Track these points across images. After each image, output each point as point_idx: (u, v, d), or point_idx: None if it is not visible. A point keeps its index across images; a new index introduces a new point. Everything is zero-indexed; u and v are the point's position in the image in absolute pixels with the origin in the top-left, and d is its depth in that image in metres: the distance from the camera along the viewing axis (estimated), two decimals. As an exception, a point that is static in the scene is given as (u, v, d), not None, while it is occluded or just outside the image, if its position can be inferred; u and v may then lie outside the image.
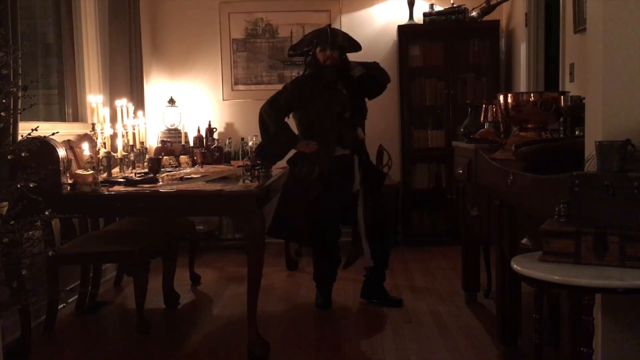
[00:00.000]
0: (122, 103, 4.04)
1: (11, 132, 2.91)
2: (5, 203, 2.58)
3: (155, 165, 3.87)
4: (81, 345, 3.38)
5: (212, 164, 4.85)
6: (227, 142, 5.62)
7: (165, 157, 4.41)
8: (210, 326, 3.61)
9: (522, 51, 5.00)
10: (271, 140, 3.86)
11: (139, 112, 4.49)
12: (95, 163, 3.50)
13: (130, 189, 3.27)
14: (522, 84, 5.01)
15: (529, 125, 2.97)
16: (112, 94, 4.60)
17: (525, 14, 4.88)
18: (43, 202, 2.68)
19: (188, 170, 4.18)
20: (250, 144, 5.54)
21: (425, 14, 5.53)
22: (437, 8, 5.55)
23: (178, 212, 3.58)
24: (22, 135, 2.79)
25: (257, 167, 3.55)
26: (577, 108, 2.80)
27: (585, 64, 2.15)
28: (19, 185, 2.52)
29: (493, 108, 3.64)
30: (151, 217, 3.85)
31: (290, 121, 3.97)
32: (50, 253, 3.02)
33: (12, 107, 2.74)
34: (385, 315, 3.71)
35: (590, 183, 1.86)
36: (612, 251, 1.79)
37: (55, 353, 3.24)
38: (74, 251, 3.48)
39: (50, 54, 4.44)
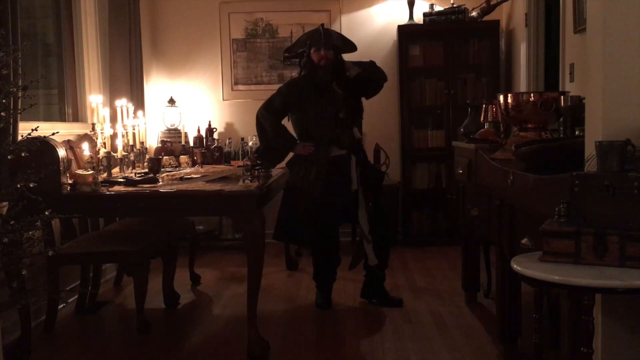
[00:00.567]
0: (122, 103, 4.04)
1: (11, 132, 2.92)
2: (5, 203, 2.58)
3: (155, 165, 3.87)
4: (81, 346, 3.38)
5: (212, 164, 4.85)
6: (227, 142, 5.63)
7: (165, 157, 4.41)
8: (210, 326, 3.61)
9: (522, 51, 5.00)
10: (269, 143, 3.88)
11: (139, 112, 4.49)
12: (95, 163, 3.50)
13: (130, 189, 3.27)
14: (522, 84, 5.01)
15: (529, 125, 2.97)
16: (112, 94, 4.60)
17: (525, 14, 4.88)
18: (43, 202, 2.68)
19: (188, 170, 4.18)
20: (250, 144, 5.54)
21: (425, 14, 5.53)
22: (437, 8, 5.55)
23: (178, 212, 3.59)
24: (22, 135, 2.79)
25: (257, 167, 3.55)
26: (577, 108, 2.80)
27: (585, 64, 2.15)
28: (19, 185, 2.52)
29: (493, 108, 3.64)
30: (151, 217, 3.85)
31: (288, 123, 3.98)
32: (50, 253, 3.03)
33: (12, 107, 2.74)
34: (385, 315, 3.71)
35: (590, 183, 1.86)
36: (612, 251, 1.79)
37: (55, 353, 3.24)
38: (74, 251, 3.48)
39: (50, 54, 4.44)
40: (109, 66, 4.71)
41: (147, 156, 4.17)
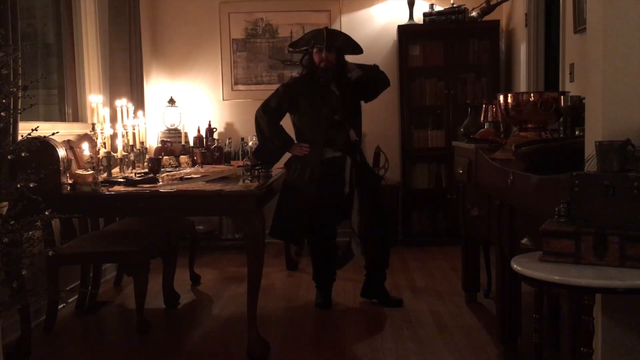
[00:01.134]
0: (122, 103, 4.04)
1: (11, 132, 2.92)
2: (5, 203, 2.58)
3: (155, 165, 3.87)
4: (81, 346, 3.38)
5: (212, 164, 4.85)
6: (227, 142, 5.63)
7: (165, 157, 4.42)
8: (210, 326, 3.61)
9: (522, 51, 5.00)
10: (265, 144, 3.90)
11: (139, 112, 4.49)
12: (95, 163, 3.50)
13: (130, 189, 3.27)
14: (522, 84, 5.01)
15: (529, 125, 2.97)
16: (112, 94, 4.60)
17: (525, 14, 4.88)
18: (43, 202, 2.68)
19: (188, 170, 4.18)
20: (250, 144, 5.54)
21: (425, 14, 5.53)
22: (437, 8, 5.55)
23: (178, 212, 3.59)
24: (22, 135, 2.79)
25: (257, 167, 3.55)
26: (577, 108, 2.81)
27: (585, 64, 2.15)
28: (19, 185, 2.52)
29: (493, 108, 3.64)
30: (151, 217, 3.85)
31: (289, 124, 3.98)
32: (50, 253, 3.02)
33: (12, 107, 2.74)
34: (385, 315, 3.71)
35: (590, 183, 1.86)
36: (612, 251, 1.79)
37: (55, 353, 3.24)
38: (74, 251, 3.48)
39: (50, 54, 4.44)
40: (109, 66, 4.71)
41: (147, 156, 4.17)
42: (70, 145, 3.72)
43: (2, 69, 2.59)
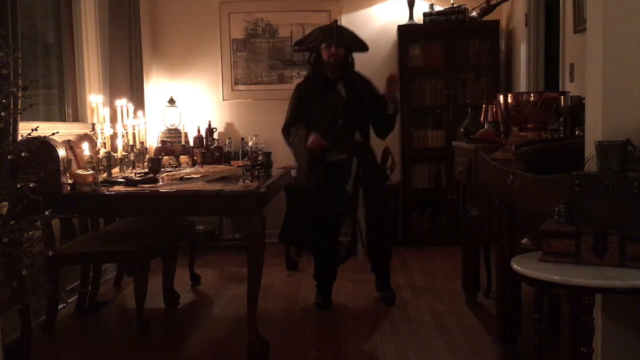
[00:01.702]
0: (122, 103, 4.05)
1: (11, 132, 2.91)
2: (5, 203, 2.58)
3: (155, 165, 3.87)
4: (81, 346, 3.38)
5: (212, 164, 4.85)
6: (227, 142, 5.63)
7: (165, 157, 4.42)
8: (210, 326, 3.61)
9: (522, 51, 5.00)
10: (292, 148, 3.89)
11: (139, 112, 4.49)
12: (95, 163, 3.50)
13: (130, 189, 3.27)
14: (522, 84, 5.01)
15: (529, 125, 2.97)
16: (112, 94, 4.60)
17: (525, 14, 4.88)
18: (43, 202, 2.68)
19: (188, 170, 4.18)
20: (250, 144, 5.54)
21: (425, 14, 5.53)
22: (437, 8, 5.55)
23: (178, 212, 3.59)
24: (22, 135, 2.79)
25: (257, 167, 3.55)
26: (577, 108, 2.80)
27: (585, 64, 2.15)
28: (19, 185, 2.52)
29: (493, 108, 3.64)
30: (151, 217, 3.85)
31: None
32: (50, 253, 3.03)
33: (12, 107, 2.74)
34: (385, 315, 3.71)
35: (590, 183, 1.86)
36: (612, 251, 1.79)
37: (55, 353, 3.24)
38: (74, 251, 3.48)
39: (50, 54, 4.44)
40: (109, 66, 4.71)
41: (147, 156, 4.17)
42: (70, 145, 3.72)
43: (2, 69, 2.59)
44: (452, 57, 5.51)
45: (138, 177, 3.59)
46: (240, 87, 5.89)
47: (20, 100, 2.87)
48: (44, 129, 3.03)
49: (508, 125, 3.65)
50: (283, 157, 5.50)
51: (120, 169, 3.81)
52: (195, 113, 5.82)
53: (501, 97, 3.05)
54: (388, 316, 3.69)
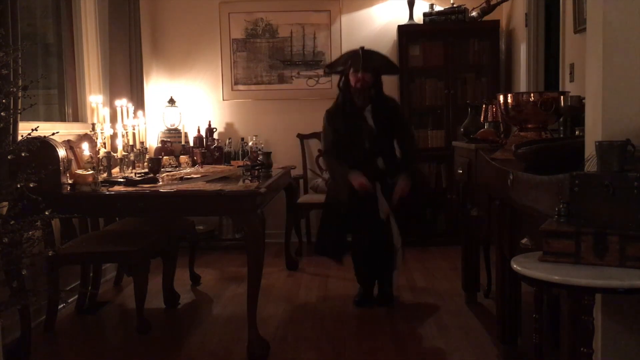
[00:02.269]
0: (122, 103, 4.05)
1: (11, 132, 2.91)
2: (5, 203, 2.58)
3: (155, 165, 3.87)
4: (81, 346, 3.38)
5: (212, 164, 4.85)
6: (227, 142, 5.63)
7: (165, 157, 4.42)
8: (210, 326, 3.60)
9: (522, 51, 5.00)
10: (332, 175, 3.94)
11: (139, 112, 4.49)
12: (95, 163, 3.50)
13: (130, 189, 3.27)
14: (522, 84, 5.01)
15: (529, 125, 2.97)
16: (112, 94, 4.60)
17: (525, 14, 4.88)
18: (43, 202, 2.68)
19: (188, 170, 4.18)
20: (250, 144, 5.54)
21: (425, 14, 5.53)
22: (437, 8, 5.55)
23: (178, 212, 3.59)
24: (22, 135, 2.79)
25: (257, 167, 3.55)
26: (577, 108, 2.80)
27: (585, 64, 2.15)
28: (19, 185, 2.52)
29: (493, 108, 3.64)
30: (151, 217, 3.85)
31: None
32: (50, 253, 3.03)
33: (12, 107, 2.74)
34: (385, 315, 3.71)
35: (590, 183, 1.86)
36: (612, 251, 1.79)
37: (55, 353, 3.24)
38: (74, 251, 3.48)
39: (50, 54, 4.44)
40: (109, 66, 4.71)
41: (147, 156, 4.17)
42: (70, 145, 3.72)
43: (2, 69, 2.59)
44: (452, 57, 5.51)
45: (138, 177, 3.59)
46: (240, 87, 5.89)
47: (20, 100, 2.87)
48: (44, 129, 3.03)
49: (508, 125, 3.65)
50: (283, 157, 5.51)
51: (120, 169, 3.81)
52: (195, 113, 5.82)
53: (501, 97, 3.05)
54: (388, 316, 3.69)
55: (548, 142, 2.66)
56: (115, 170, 3.72)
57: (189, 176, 3.72)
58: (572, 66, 3.92)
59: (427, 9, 5.55)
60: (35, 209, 2.62)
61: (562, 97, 2.91)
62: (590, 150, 2.04)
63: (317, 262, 5.01)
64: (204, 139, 5.58)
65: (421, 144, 5.59)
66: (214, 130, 5.70)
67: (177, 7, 5.82)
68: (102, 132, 3.80)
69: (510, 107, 3.00)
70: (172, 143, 5.48)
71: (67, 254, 3.44)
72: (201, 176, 3.70)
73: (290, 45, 5.80)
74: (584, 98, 2.57)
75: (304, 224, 5.59)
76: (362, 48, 3.90)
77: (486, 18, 5.47)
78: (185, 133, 5.67)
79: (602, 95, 1.99)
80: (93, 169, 3.35)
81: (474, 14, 5.47)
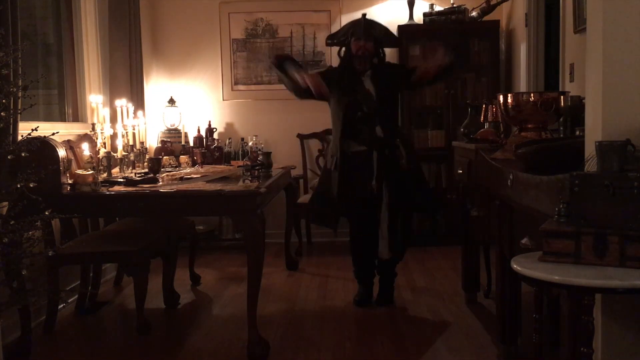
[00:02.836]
0: (122, 103, 4.04)
1: (11, 132, 2.91)
2: (5, 203, 2.58)
3: (155, 165, 3.87)
4: (81, 346, 3.38)
5: (212, 164, 4.85)
6: (227, 142, 5.63)
7: (165, 157, 4.42)
8: (210, 326, 3.60)
9: (522, 51, 5.00)
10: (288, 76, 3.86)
11: (139, 112, 4.49)
12: (95, 163, 3.50)
13: (130, 189, 3.27)
14: (522, 84, 5.01)
15: (529, 125, 2.97)
16: (112, 94, 4.60)
17: (525, 14, 4.88)
18: (43, 202, 2.68)
19: (188, 170, 4.18)
20: (250, 144, 5.54)
21: (425, 14, 5.53)
22: (437, 8, 5.55)
23: (178, 212, 3.58)
24: (22, 135, 2.79)
25: (257, 167, 3.55)
26: (577, 108, 2.81)
27: (585, 64, 2.15)
28: (19, 185, 2.52)
29: (493, 108, 3.64)
30: (151, 217, 3.84)
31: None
32: (50, 253, 3.03)
33: (12, 107, 2.74)
34: (385, 315, 3.71)
35: (590, 183, 1.86)
36: (612, 251, 1.79)
37: (55, 353, 3.24)
38: (74, 251, 3.48)
39: (50, 54, 4.44)
40: (109, 66, 4.71)
41: (147, 156, 4.17)
42: (70, 145, 3.72)
43: (2, 69, 2.59)
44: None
45: (138, 177, 3.59)
46: (240, 87, 5.89)
47: (20, 100, 2.87)
48: (44, 129, 3.03)
49: (508, 125, 3.65)
50: (283, 157, 5.51)
51: (120, 169, 3.81)
52: (195, 113, 5.82)
53: (501, 97, 3.05)
54: (388, 316, 3.69)
55: (548, 142, 2.66)
56: (115, 170, 3.72)
57: (189, 176, 3.72)
58: (572, 66, 3.92)
59: (427, 9, 5.56)
60: (35, 209, 2.62)
61: (562, 97, 2.91)
62: (590, 150, 2.04)
63: (317, 262, 5.02)
64: (204, 139, 5.58)
65: (421, 144, 5.60)
66: (214, 130, 5.70)
67: (177, 7, 5.82)
68: (102, 132, 3.80)
69: (510, 107, 3.00)
70: (172, 143, 5.48)
71: (67, 254, 3.44)
72: (201, 176, 3.70)
73: (290, 46, 5.81)
74: (584, 98, 2.57)
75: (304, 224, 5.59)
76: (364, 15, 3.90)
77: (486, 18, 5.47)
78: (185, 133, 5.67)
79: (602, 95, 1.99)
80: (93, 169, 3.35)
81: (474, 14, 5.47)
